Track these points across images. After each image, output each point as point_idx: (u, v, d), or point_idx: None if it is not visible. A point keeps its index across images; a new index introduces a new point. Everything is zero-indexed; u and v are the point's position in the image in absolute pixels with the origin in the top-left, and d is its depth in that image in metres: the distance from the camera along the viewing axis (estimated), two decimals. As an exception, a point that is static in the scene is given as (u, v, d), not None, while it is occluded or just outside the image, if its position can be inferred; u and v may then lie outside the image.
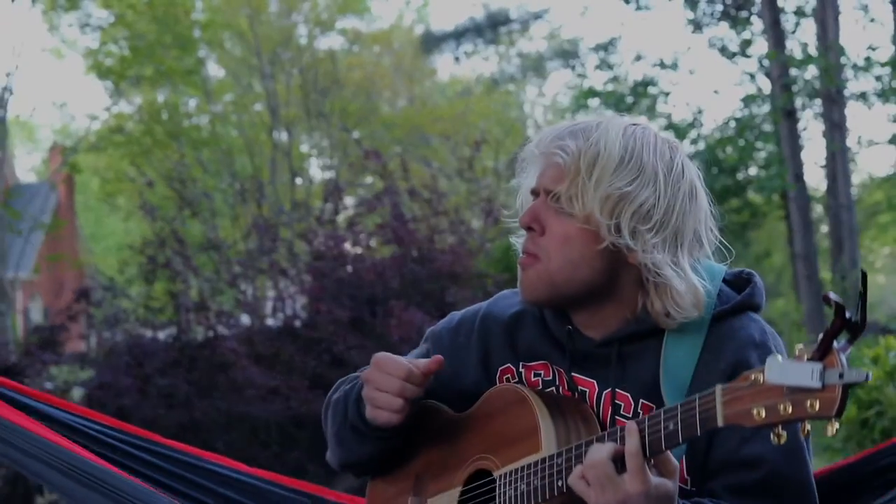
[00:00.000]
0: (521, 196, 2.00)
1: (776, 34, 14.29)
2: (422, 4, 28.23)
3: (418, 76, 25.15)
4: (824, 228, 19.24)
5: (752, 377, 1.55)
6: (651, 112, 16.58)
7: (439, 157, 18.99)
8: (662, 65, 16.97)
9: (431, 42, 22.09)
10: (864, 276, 1.55)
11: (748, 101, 16.29)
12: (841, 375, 1.47)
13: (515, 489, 1.86)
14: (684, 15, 17.89)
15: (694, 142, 15.63)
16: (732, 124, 15.76)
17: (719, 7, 17.34)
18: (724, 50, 17.31)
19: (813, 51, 14.44)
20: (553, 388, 2.01)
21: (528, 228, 1.90)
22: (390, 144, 20.54)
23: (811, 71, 14.50)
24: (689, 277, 1.85)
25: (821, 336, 1.50)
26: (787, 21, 15.98)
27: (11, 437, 2.02)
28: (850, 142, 15.93)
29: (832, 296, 1.50)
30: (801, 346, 1.53)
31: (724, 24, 17.42)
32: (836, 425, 1.47)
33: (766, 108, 15.86)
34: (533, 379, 2.02)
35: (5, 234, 16.94)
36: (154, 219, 9.60)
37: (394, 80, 23.99)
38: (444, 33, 21.85)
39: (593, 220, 1.84)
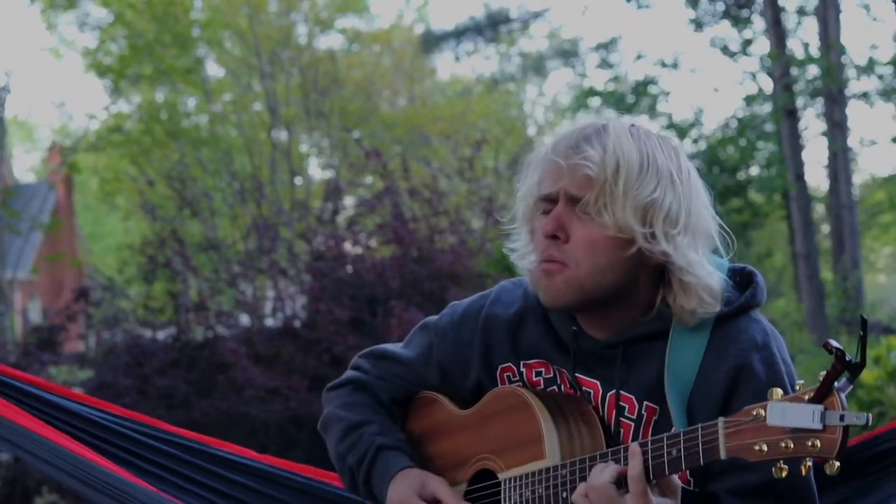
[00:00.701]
0: (523, 200, 2.00)
1: (777, 33, 14.26)
2: (422, 4, 28.23)
3: (418, 76, 25.13)
4: (826, 228, 19.22)
5: (755, 413, 1.59)
6: (652, 112, 16.56)
7: (439, 157, 18.97)
8: (663, 64, 16.95)
9: (431, 41, 22.07)
10: (865, 322, 1.57)
11: (749, 100, 16.27)
12: (842, 418, 1.52)
13: (521, 495, 1.91)
14: (685, 14, 17.92)
15: (695, 141, 15.61)
16: (734, 124, 15.75)
17: (720, 6, 17.31)
18: (725, 49, 17.28)
19: (814, 50, 14.42)
20: (554, 387, 2.03)
21: (553, 236, 1.90)
22: (390, 144, 20.53)
23: (813, 70, 14.47)
24: (713, 272, 1.91)
25: (821, 377, 1.53)
26: (789, 20, 15.95)
27: (14, 436, 2.04)
28: (852, 141, 15.90)
29: (832, 343, 1.53)
30: (801, 382, 1.59)
31: (726, 23, 17.39)
32: (837, 464, 1.52)
33: (767, 107, 15.84)
34: (534, 378, 2.05)
35: (4, 234, 16.92)
36: (154, 218, 9.59)
37: (394, 80, 23.97)
38: (444, 33, 21.83)
39: (627, 228, 1.86)
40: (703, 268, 1.89)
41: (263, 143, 20.84)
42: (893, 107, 16.28)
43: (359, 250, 8.93)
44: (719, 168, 15.06)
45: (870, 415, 1.55)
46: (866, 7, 16.21)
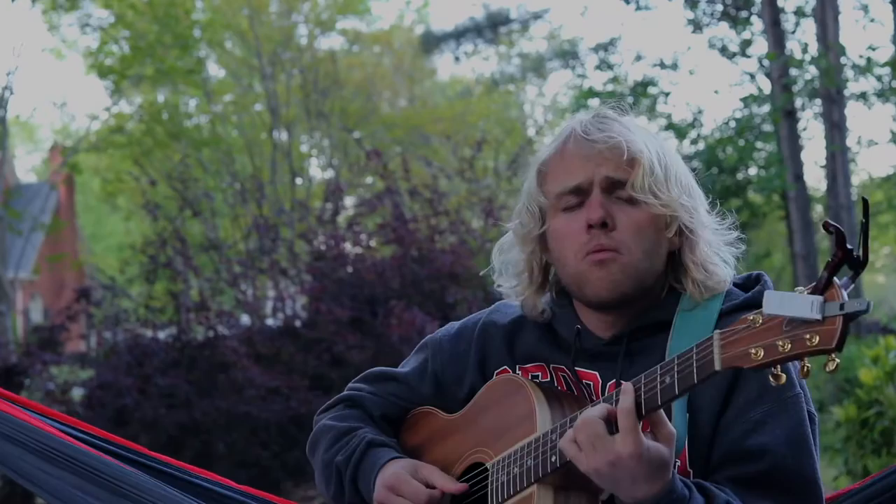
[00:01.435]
0: (528, 208, 1.93)
1: (776, 34, 14.28)
2: (422, 4, 28.24)
3: (418, 76, 25.15)
4: (824, 229, 19.20)
5: (751, 318, 1.51)
6: (651, 112, 16.56)
7: (439, 157, 18.98)
8: (662, 65, 16.97)
9: (431, 42, 22.07)
10: (866, 203, 1.50)
11: (748, 101, 16.27)
12: (842, 307, 1.42)
13: (508, 473, 1.84)
14: (684, 15, 17.88)
15: (694, 142, 15.61)
16: (732, 124, 15.74)
17: (719, 7, 17.32)
18: (724, 50, 17.30)
19: (813, 51, 14.43)
20: None
21: (602, 224, 1.84)
22: (390, 144, 20.54)
23: (811, 71, 14.49)
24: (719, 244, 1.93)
25: (822, 270, 1.45)
26: (787, 21, 15.97)
27: (7, 427, 2.01)
28: (850, 142, 15.91)
29: (832, 223, 1.45)
30: (799, 289, 1.49)
31: (724, 24, 17.40)
32: (837, 361, 1.42)
33: (765, 108, 15.84)
34: None
35: (6, 234, 16.95)
36: (156, 218, 9.61)
37: (394, 80, 23.99)
38: (444, 33, 21.83)
39: (674, 205, 1.85)
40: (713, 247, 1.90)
41: (264, 143, 20.86)
42: (892, 107, 16.29)
43: (359, 250, 8.95)
44: (718, 168, 15.05)
45: (870, 301, 1.45)
46: (864, 8, 16.24)
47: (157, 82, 19.04)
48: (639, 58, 17.47)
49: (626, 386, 1.64)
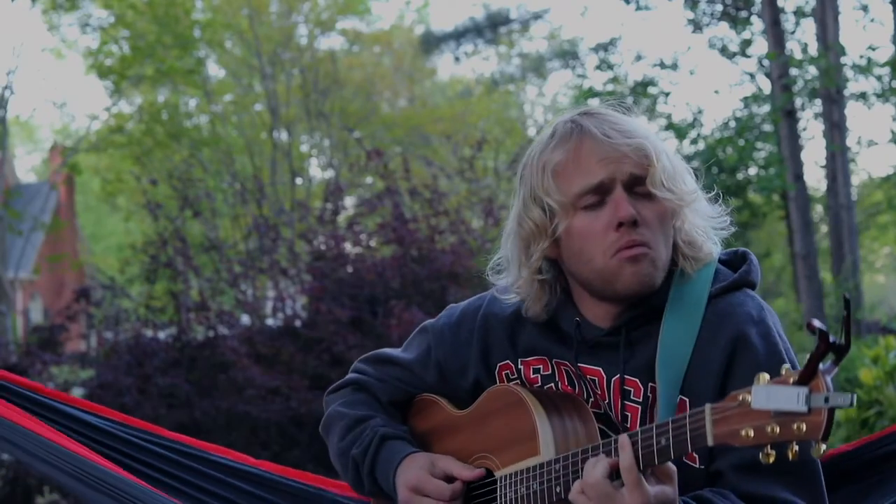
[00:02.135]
0: (550, 199, 1.94)
1: (776, 34, 14.27)
2: (422, 4, 28.23)
3: (418, 76, 25.15)
4: (824, 228, 19.22)
5: (740, 398, 1.57)
6: (651, 112, 16.56)
7: (439, 157, 18.98)
8: (662, 65, 16.97)
9: (431, 42, 22.08)
10: (848, 302, 1.55)
11: (748, 101, 16.27)
12: (826, 399, 1.48)
13: (515, 492, 1.90)
14: (684, 15, 17.88)
15: (694, 142, 15.60)
16: (732, 124, 15.74)
17: (719, 7, 17.33)
18: (724, 50, 17.31)
19: (813, 51, 14.44)
20: (552, 384, 2.03)
21: (633, 222, 1.89)
22: (390, 144, 20.54)
23: (811, 71, 14.49)
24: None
25: (806, 359, 1.50)
26: (787, 21, 15.97)
27: (15, 437, 2.04)
28: (850, 142, 15.92)
29: (816, 323, 1.50)
30: (786, 366, 1.55)
31: (724, 24, 17.41)
32: (824, 447, 1.50)
33: (765, 108, 15.84)
34: (532, 375, 2.05)
35: (6, 234, 16.96)
36: (157, 218, 9.61)
37: (394, 81, 23.99)
38: (444, 33, 21.84)
39: (687, 198, 1.92)
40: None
41: (264, 143, 20.88)
42: (892, 107, 16.29)
43: (359, 250, 8.95)
44: (718, 168, 15.04)
45: (854, 394, 1.52)
46: (864, 8, 16.24)
47: (157, 82, 19.05)
48: (639, 58, 17.47)
49: (623, 440, 1.71)
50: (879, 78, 14.50)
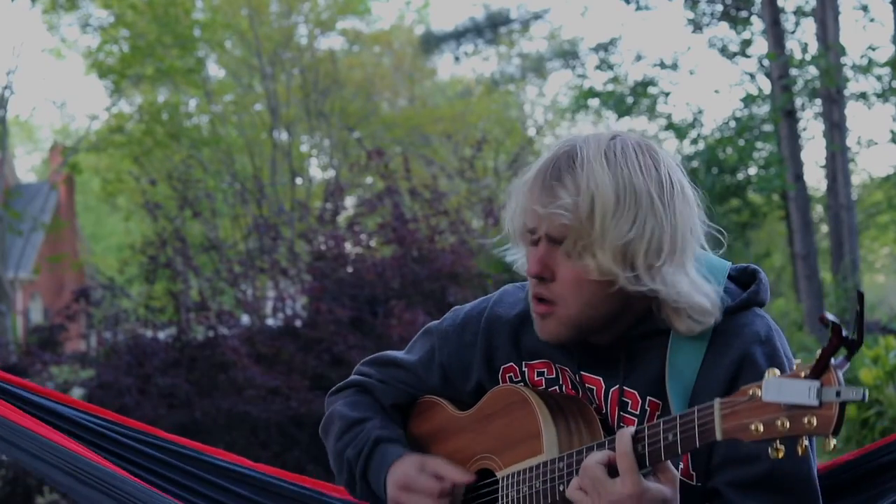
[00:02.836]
0: (513, 220, 1.93)
1: (776, 34, 14.29)
2: (422, 5, 28.24)
3: (418, 76, 25.17)
4: (824, 228, 19.25)
5: (751, 392, 1.55)
6: (651, 112, 16.59)
7: (439, 157, 18.99)
8: (662, 65, 17.00)
9: (431, 42, 22.10)
10: (861, 295, 1.54)
11: (748, 101, 16.30)
12: (838, 394, 1.47)
13: (518, 491, 1.89)
14: (684, 15, 17.91)
15: (694, 142, 15.62)
16: (732, 124, 15.77)
17: (719, 7, 17.35)
18: (724, 50, 17.34)
19: (813, 51, 14.45)
20: (556, 387, 2.02)
21: (540, 278, 1.86)
22: (390, 144, 20.55)
23: (811, 71, 14.51)
24: (704, 288, 1.85)
25: (818, 353, 1.49)
26: (787, 21, 15.99)
27: (14, 437, 2.04)
28: (850, 142, 15.95)
29: (829, 316, 1.49)
30: (798, 361, 1.54)
31: (724, 24, 17.45)
32: (834, 441, 1.48)
33: (765, 108, 15.87)
34: (536, 378, 2.04)
35: (6, 234, 16.97)
36: (156, 218, 9.61)
37: (394, 81, 24.01)
38: (444, 33, 21.87)
39: (608, 272, 1.81)
40: (695, 289, 1.83)
41: (264, 143, 20.90)
42: (892, 107, 16.31)
43: (359, 250, 8.95)
44: (718, 168, 15.06)
45: (866, 389, 1.50)
46: (864, 8, 16.26)
47: (157, 82, 19.07)
48: (639, 58, 17.51)
49: (623, 432, 1.70)
50: (879, 78, 14.53)
